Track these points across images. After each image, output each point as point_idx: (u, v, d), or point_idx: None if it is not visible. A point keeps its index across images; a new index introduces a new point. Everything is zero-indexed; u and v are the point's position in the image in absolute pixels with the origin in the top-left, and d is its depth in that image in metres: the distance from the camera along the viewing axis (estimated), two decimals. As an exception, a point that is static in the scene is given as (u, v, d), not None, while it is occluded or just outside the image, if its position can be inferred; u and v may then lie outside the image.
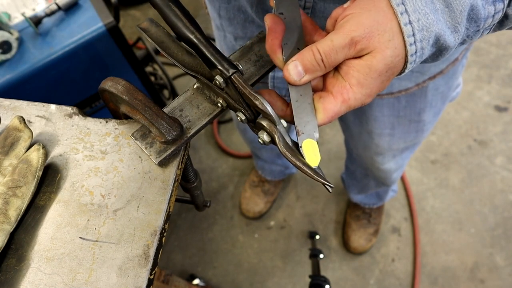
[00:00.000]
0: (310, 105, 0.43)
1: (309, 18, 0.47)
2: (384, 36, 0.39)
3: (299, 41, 0.45)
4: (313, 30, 0.46)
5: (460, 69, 0.84)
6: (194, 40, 0.42)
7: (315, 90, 0.44)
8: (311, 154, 0.42)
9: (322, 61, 0.41)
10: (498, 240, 1.60)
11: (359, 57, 0.41)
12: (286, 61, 0.43)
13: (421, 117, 0.89)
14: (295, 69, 0.42)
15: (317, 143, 0.42)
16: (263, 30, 0.56)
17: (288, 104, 0.45)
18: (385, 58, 0.39)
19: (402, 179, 1.74)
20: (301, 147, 0.42)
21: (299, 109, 0.43)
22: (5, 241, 0.42)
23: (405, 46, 0.39)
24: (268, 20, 0.45)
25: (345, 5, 0.43)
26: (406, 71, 0.42)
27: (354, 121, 0.98)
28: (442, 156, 1.81)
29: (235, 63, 0.43)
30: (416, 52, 0.40)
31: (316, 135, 0.42)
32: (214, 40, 0.90)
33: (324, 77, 0.44)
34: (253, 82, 0.49)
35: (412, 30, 0.39)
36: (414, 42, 0.39)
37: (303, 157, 0.42)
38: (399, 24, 0.39)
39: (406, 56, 0.40)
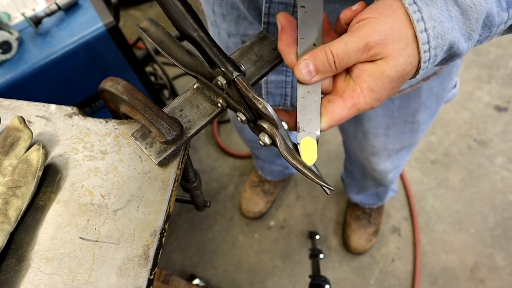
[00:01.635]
0: (316, 102, 0.42)
1: (327, 17, 0.46)
2: (398, 44, 0.39)
3: (317, 37, 0.44)
4: (327, 29, 0.46)
5: (455, 70, 0.84)
6: (197, 38, 0.42)
7: (324, 93, 0.44)
8: (308, 152, 0.41)
9: (334, 63, 0.40)
10: (498, 240, 1.60)
11: (372, 61, 0.40)
12: (300, 56, 0.42)
13: (416, 118, 0.89)
14: (306, 68, 0.41)
15: (317, 141, 0.42)
16: (263, 30, 0.56)
17: (291, 115, 0.45)
18: (397, 65, 0.39)
19: (402, 179, 1.74)
20: (298, 144, 0.42)
21: (304, 106, 0.42)
22: (5, 241, 0.42)
23: (419, 53, 0.40)
24: (281, 18, 0.44)
25: (354, 7, 0.43)
26: (418, 76, 0.43)
27: (349, 121, 0.97)
28: (442, 156, 1.81)
29: (237, 63, 0.43)
30: (429, 59, 0.40)
31: (318, 133, 0.42)
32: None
33: (335, 79, 0.44)
34: (253, 82, 0.49)
35: (427, 38, 0.39)
36: (428, 49, 0.39)
37: (299, 155, 0.42)
38: (414, 32, 0.39)
39: (419, 63, 0.40)
